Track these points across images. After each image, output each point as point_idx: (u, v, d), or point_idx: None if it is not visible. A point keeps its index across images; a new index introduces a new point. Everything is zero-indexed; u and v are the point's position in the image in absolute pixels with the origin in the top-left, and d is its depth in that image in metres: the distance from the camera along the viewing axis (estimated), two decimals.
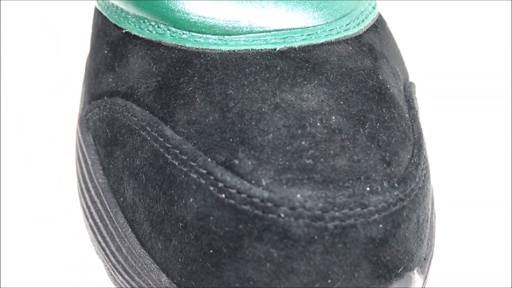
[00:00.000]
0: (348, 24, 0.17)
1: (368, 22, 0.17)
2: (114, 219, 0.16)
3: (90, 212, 0.17)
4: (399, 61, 0.19)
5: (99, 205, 0.17)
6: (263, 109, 0.14)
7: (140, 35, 0.17)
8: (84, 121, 0.18)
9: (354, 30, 0.17)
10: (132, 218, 0.15)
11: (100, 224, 0.16)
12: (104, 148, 0.17)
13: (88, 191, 0.17)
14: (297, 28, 0.16)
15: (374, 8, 0.18)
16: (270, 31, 0.16)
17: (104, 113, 0.17)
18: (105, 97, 0.17)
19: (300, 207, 0.12)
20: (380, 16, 0.19)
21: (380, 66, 0.16)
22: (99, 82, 0.18)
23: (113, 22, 0.18)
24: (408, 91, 0.17)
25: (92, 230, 0.17)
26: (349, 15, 0.17)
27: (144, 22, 0.17)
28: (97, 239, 0.17)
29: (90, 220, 0.17)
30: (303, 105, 0.14)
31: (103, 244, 0.16)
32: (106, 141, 0.17)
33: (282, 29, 0.16)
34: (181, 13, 0.16)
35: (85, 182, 0.17)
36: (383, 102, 0.15)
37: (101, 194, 0.16)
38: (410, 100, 0.17)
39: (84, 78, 0.21)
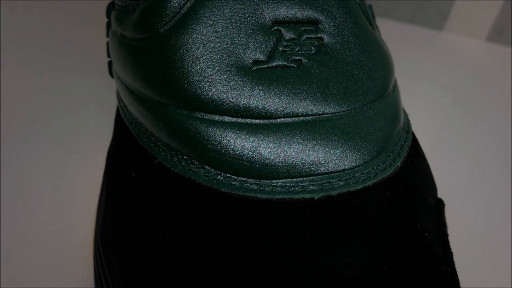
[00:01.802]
0: (385, 162, 0.16)
1: (403, 155, 0.17)
2: None
3: None
4: (431, 184, 0.18)
5: None
6: (305, 279, 0.14)
7: (172, 169, 0.16)
8: (107, 237, 0.18)
9: (391, 169, 0.16)
10: None
11: None
12: None
13: None
14: (335, 172, 0.15)
15: (407, 132, 0.18)
16: (307, 175, 0.15)
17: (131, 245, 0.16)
18: (132, 225, 0.17)
19: None
20: (413, 136, 0.18)
21: (417, 207, 0.16)
22: (123, 204, 0.17)
23: (141, 144, 0.17)
24: (441, 222, 0.17)
25: None
26: (385, 151, 0.16)
27: (176, 154, 0.16)
28: None
29: None
30: (346, 273, 0.14)
31: None
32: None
33: (320, 174, 0.15)
34: (217, 153, 0.15)
35: None
36: (422, 260, 0.15)
37: None
38: (445, 239, 0.17)
39: (104, 173, 0.20)
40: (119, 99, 0.20)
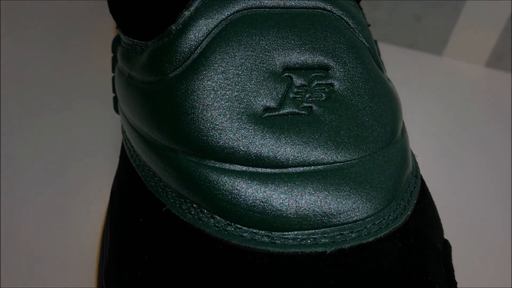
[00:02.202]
0: (395, 211, 0.16)
1: (413, 202, 0.17)
2: None
3: None
4: (438, 227, 0.18)
5: None
6: None
7: (181, 217, 0.16)
8: (113, 281, 0.18)
9: (402, 219, 0.16)
10: None
11: None
12: None
13: None
14: (347, 223, 0.15)
15: (416, 177, 0.18)
16: (319, 227, 0.15)
17: None
18: (139, 272, 0.16)
19: None
20: (421, 180, 0.18)
21: (426, 258, 0.16)
22: (130, 249, 0.17)
23: (149, 188, 0.17)
24: (449, 268, 0.17)
25: None
26: (396, 199, 0.16)
27: (186, 202, 0.16)
28: None
29: None
30: None
31: None
32: None
33: (332, 226, 0.15)
34: (228, 203, 0.15)
35: None
36: None
37: None
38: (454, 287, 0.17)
39: (108, 208, 0.20)
40: (125, 138, 0.20)
